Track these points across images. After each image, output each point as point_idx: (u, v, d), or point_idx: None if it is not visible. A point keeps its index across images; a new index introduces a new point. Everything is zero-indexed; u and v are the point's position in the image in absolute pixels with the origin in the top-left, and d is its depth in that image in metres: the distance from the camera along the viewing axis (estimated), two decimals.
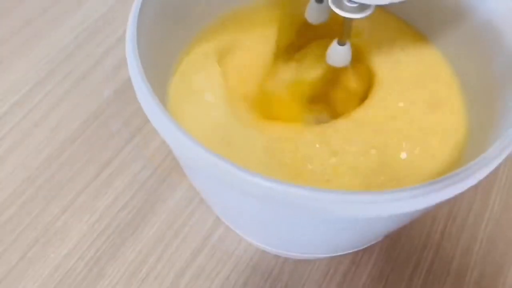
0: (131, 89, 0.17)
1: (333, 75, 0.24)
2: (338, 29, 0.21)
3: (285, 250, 0.25)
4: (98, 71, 0.33)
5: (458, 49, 0.23)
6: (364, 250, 0.26)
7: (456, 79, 0.23)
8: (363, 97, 0.23)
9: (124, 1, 0.36)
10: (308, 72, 0.24)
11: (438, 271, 0.26)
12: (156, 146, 0.29)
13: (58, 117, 0.31)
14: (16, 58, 0.33)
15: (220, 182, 0.16)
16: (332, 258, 0.26)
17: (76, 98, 0.32)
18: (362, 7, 0.19)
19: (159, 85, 0.21)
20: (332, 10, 0.19)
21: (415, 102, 0.22)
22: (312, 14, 0.23)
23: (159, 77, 0.21)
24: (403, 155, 0.21)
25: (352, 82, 0.23)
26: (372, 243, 0.26)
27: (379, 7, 0.19)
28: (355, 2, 0.19)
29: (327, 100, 0.25)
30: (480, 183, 0.16)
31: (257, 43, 0.25)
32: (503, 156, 0.16)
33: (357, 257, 0.26)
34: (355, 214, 0.15)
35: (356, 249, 0.26)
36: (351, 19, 0.20)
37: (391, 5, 0.18)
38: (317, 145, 0.21)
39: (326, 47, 0.22)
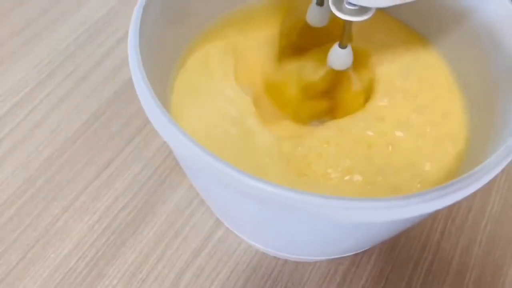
0: (131, 90, 0.17)
1: (335, 78, 0.24)
2: (339, 32, 0.21)
3: (285, 252, 0.25)
4: (99, 72, 0.33)
5: (458, 51, 0.23)
6: (364, 251, 0.26)
7: (456, 81, 0.23)
8: (365, 99, 0.24)
9: (124, 2, 0.36)
10: (310, 75, 0.24)
11: (437, 271, 0.26)
12: (156, 147, 0.29)
13: (58, 117, 0.31)
14: (17, 59, 0.33)
15: (220, 184, 0.16)
16: (332, 259, 0.26)
17: (76, 99, 0.32)
18: (362, 9, 0.19)
19: (161, 86, 0.21)
20: (333, 13, 0.19)
21: (416, 104, 0.22)
22: (314, 17, 0.23)
23: (161, 78, 0.21)
24: (404, 158, 0.21)
25: (354, 85, 0.24)
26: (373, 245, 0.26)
27: (379, 10, 0.19)
28: (355, 5, 0.19)
29: (330, 102, 0.25)
30: None
31: (258, 45, 0.25)
32: (503, 165, 0.16)
33: (357, 258, 0.26)
34: (358, 220, 0.15)
35: (356, 252, 0.26)
36: (351, 22, 0.20)
37: (391, 7, 0.18)
38: (321, 145, 0.21)
39: (327, 50, 0.22)
